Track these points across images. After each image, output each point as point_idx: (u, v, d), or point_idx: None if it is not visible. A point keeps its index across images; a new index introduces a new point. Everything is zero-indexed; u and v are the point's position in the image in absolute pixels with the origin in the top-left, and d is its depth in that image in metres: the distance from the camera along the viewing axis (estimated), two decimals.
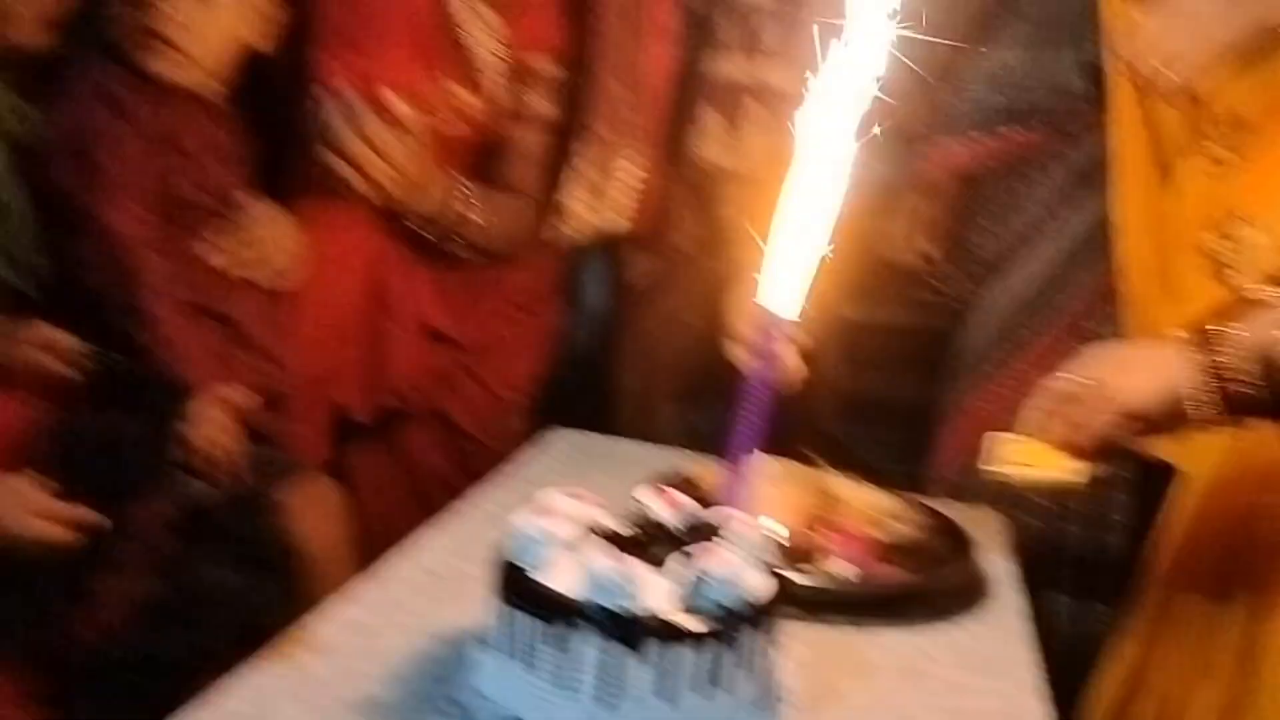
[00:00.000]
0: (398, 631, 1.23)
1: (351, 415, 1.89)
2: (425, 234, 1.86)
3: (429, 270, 1.93)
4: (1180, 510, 1.69)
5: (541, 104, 1.92)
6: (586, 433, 1.91)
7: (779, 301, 1.17)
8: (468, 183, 1.86)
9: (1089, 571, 1.99)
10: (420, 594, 1.31)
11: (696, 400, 2.08)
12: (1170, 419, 1.43)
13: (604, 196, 1.91)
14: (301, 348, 1.75)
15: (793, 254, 1.17)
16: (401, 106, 1.77)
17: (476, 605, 1.12)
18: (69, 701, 1.35)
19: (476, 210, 1.86)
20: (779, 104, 1.86)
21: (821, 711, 1.20)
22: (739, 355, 1.44)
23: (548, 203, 1.95)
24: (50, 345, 1.43)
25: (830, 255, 1.17)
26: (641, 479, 1.39)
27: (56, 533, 1.21)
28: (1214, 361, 1.40)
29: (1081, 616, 1.98)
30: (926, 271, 2.02)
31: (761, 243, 1.16)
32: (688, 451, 1.75)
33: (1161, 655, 1.67)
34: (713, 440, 1.70)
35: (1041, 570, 1.86)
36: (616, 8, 1.84)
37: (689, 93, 1.94)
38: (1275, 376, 1.39)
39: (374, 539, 1.63)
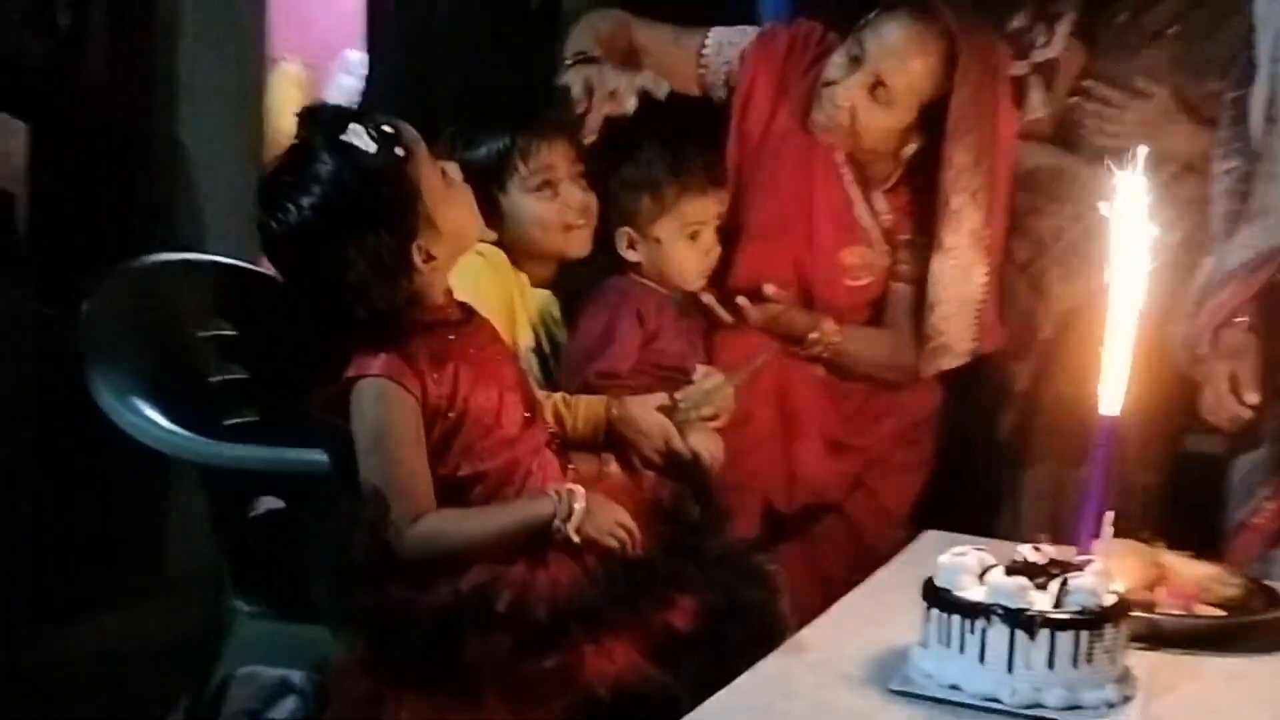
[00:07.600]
0: (854, 646, 1.81)
1: (776, 507, 2.51)
2: (803, 354, 2.53)
3: (833, 396, 2.58)
4: None
5: (908, 264, 2.57)
6: (959, 534, 2.44)
7: (1109, 403, 1.72)
8: (835, 322, 2.53)
9: None
10: (855, 634, 1.86)
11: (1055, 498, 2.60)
12: None
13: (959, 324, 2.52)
14: (733, 457, 2.33)
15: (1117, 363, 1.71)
16: (771, 289, 2.50)
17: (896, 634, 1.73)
18: None
19: (846, 339, 2.53)
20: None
21: (1162, 697, 1.70)
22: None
23: (920, 338, 2.56)
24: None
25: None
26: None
27: None
28: None
29: None
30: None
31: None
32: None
33: None
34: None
35: None
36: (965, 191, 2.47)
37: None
38: None
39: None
